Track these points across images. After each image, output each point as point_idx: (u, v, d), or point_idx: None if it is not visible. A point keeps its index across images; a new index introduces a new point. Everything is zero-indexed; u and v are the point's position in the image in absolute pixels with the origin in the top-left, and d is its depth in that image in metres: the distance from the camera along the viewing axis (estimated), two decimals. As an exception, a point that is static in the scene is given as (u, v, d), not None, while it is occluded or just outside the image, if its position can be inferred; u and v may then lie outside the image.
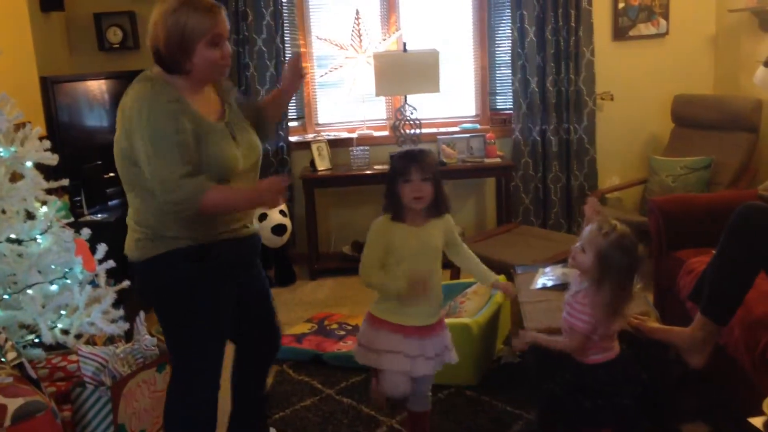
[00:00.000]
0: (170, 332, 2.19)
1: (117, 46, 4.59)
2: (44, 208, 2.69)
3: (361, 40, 4.68)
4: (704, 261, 2.64)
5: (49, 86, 3.65)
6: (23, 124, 2.70)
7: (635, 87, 4.76)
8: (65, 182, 2.76)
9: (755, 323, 2.34)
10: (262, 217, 4.27)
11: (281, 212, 4.32)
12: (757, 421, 1.69)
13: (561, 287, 2.81)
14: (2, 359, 2.26)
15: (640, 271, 2.05)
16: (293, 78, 2.35)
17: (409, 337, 2.23)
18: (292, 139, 4.76)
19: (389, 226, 2.24)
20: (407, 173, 2.19)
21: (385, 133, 4.84)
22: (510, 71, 4.69)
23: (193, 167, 1.95)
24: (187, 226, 2.03)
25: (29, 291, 2.56)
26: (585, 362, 2.10)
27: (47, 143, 2.70)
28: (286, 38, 4.63)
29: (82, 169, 3.65)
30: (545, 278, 2.92)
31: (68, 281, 2.65)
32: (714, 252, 2.42)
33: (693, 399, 2.63)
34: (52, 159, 2.67)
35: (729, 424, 2.43)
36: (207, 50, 1.99)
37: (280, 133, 4.64)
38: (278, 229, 4.29)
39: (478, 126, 4.86)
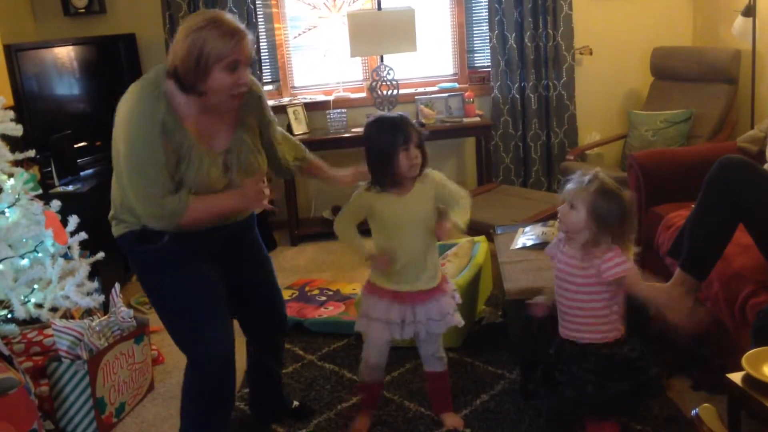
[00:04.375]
0: (156, 310, 2.20)
1: (83, 10, 4.45)
2: (11, 181, 2.61)
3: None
4: (683, 215, 2.63)
5: (13, 54, 3.54)
6: (-15, 95, 2.61)
7: (614, 41, 4.71)
8: (31, 153, 2.68)
9: (734, 277, 2.33)
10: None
11: (259, 178, 4.26)
12: (735, 377, 1.69)
13: (541, 246, 2.79)
14: (-27, 337, 2.22)
15: (632, 218, 2.01)
16: (344, 181, 2.37)
17: (401, 303, 2.24)
18: (268, 103, 4.66)
19: (375, 196, 2.23)
20: (407, 141, 2.15)
21: (363, 95, 4.76)
22: (487, 28, 4.61)
23: (175, 183, 1.97)
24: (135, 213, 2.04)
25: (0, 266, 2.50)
26: (603, 342, 2.02)
27: (11, 113, 2.62)
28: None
29: (51, 139, 3.56)
30: (525, 237, 2.90)
31: (39, 255, 2.59)
32: (693, 206, 2.40)
33: (673, 354, 2.64)
34: (16, 129, 2.59)
35: (709, 378, 2.44)
36: (222, 74, 1.93)
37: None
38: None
39: (456, 85, 4.79)
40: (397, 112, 2.34)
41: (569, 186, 2.01)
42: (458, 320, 2.33)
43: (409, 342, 2.45)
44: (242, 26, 1.97)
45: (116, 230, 2.13)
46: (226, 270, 2.23)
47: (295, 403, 2.59)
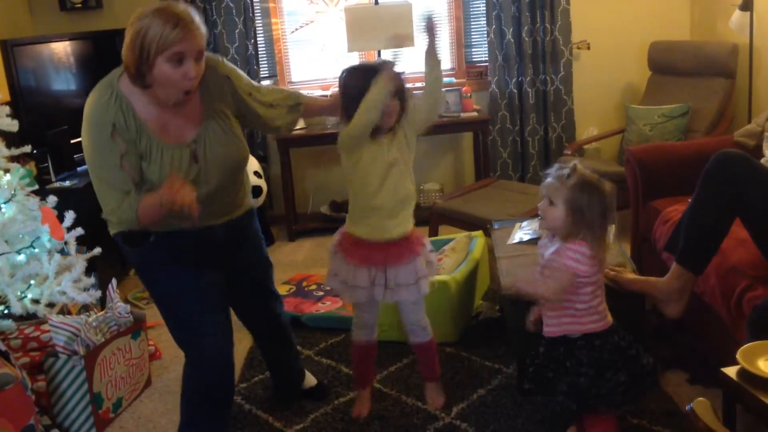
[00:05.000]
0: (157, 305, 2.20)
1: (79, 5, 4.44)
2: (7, 176, 2.61)
3: (331, -6, 4.57)
4: (680, 210, 2.63)
5: (9, 49, 3.53)
6: (-19, 90, 2.61)
7: (611, 35, 4.70)
8: (27, 149, 2.68)
9: (731, 271, 2.34)
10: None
11: (256, 173, 4.26)
12: (730, 371, 1.69)
13: (538, 241, 2.79)
14: (-31, 332, 2.22)
15: (612, 211, 1.92)
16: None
17: (369, 265, 2.20)
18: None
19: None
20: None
21: (360, 89, 4.75)
22: (485, 22, 4.60)
23: (135, 185, 1.95)
24: None
25: (-5, 261, 2.50)
26: (593, 332, 1.97)
27: (7, 109, 2.62)
28: (254, -7, 4.51)
29: (47, 134, 3.56)
30: (522, 232, 2.90)
31: (36, 250, 2.59)
32: (689, 201, 2.40)
33: (669, 348, 2.64)
34: (12, 125, 2.59)
35: (705, 372, 2.45)
36: (166, 66, 1.86)
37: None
38: (253, 191, 4.22)
39: (453, 80, 4.79)
40: (381, 59, 2.29)
41: (547, 181, 1.94)
42: (425, 288, 2.24)
43: (404, 336, 2.46)
44: (193, 16, 1.87)
45: (110, 229, 2.12)
46: (227, 262, 2.23)
47: (313, 381, 2.63)
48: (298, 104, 2.33)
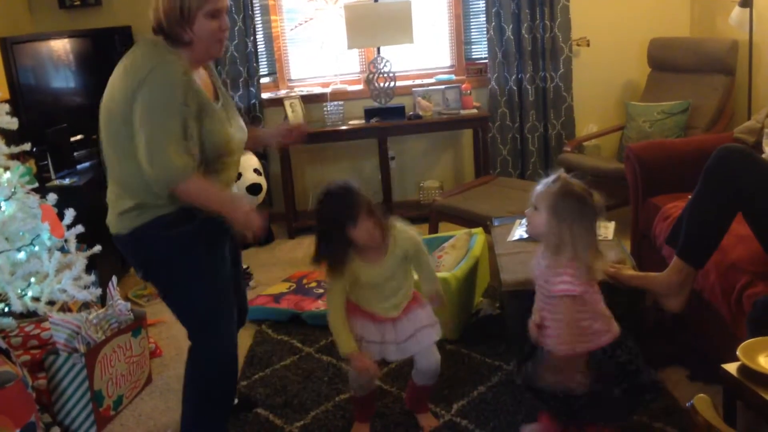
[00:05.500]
0: (175, 299, 2.18)
1: (78, 3, 4.44)
2: (7, 174, 2.61)
3: (331, -9, 4.57)
4: (680, 206, 2.63)
5: (8, 47, 3.53)
6: (-20, 88, 2.60)
7: (611, 32, 4.69)
8: (27, 147, 2.68)
9: (731, 267, 2.34)
10: (237, 177, 4.20)
11: (256, 171, 4.25)
12: (731, 367, 1.69)
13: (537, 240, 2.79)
14: (-30, 330, 2.22)
15: (598, 220, 1.92)
16: (276, 136, 2.44)
17: (380, 323, 2.22)
18: (265, 95, 4.67)
19: (355, 264, 2.17)
20: (355, 218, 2.09)
21: (359, 87, 4.75)
22: (484, 19, 4.60)
23: (188, 148, 1.96)
24: (168, 196, 2.01)
25: (-5, 259, 2.50)
26: (590, 349, 1.93)
27: (6, 107, 2.61)
28: (253, -9, 4.50)
29: (47, 132, 3.56)
30: (522, 229, 2.90)
31: (36, 248, 2.59)
32: (691, 196, 2.40)
33: (669, 345, 2.65)
34: (11, 123, 2.59)
35: (705, 369, 2.45)
36: (206, 21, 2.01)
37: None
38: (253, 189, 4.22)
39: (453, 77, 4.78)
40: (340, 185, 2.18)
41: (536, 188, 1.96)
42: (435, 334, 2.27)
43: None
44: None
45: (138, 220, 2.06)
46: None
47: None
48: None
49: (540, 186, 1.95)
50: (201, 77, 2.12)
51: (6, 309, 2.54)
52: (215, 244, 2.15)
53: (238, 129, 2.18)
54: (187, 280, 2.12)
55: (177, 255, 2.10)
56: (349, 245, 2.13)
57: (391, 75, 4.49)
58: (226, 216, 2.01)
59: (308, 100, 4.65)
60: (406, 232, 2.21)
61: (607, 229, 2.81)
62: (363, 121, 4.45)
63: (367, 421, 2.41)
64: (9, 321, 2.55)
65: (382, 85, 4.49)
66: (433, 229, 3.75)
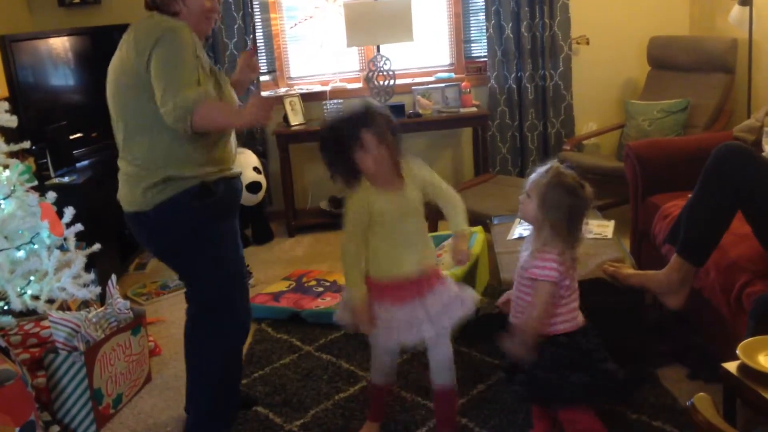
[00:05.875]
0: (201, 268, 2.22)
1: (77, 1, 4.43)
2: (6, 172, 2.60)
3: (330, -11, 4.56)
4: (680, 205, 2.63)
5: (7, 45, 3.52)
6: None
7: (611, 30, 4.70)
8: (26, 145, 2.67)
9: (731, 266, 2.34)
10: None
11: (255, 169, 4.25)
12: (731, 366, 1.69)
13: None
14: (-31, 329, 2.22)
15: (582, 213, 1.95)
16: (246, 72, 2.45)
17: (403, 301, 2.10)
18: (264, 94, 4.67)
19: (372, 195, 2.07)
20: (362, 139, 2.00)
21: (359, 85, 4.75)
22: (484, 18, 4.60)
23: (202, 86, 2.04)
24: (193, 165, 2.10)
25: (-5, 258, 2.49)
26: (549, 333, 1.98)
27: (5, 104, 2.61)
28: (253, -11, 4.50)
29: (46, 130, 3.55)
30: (521, 228, 2.90)
31: (35, 246, 2.58)
32: (691, 194, 2.40)
33: (669, 343, 2.65)
34: (11, 121, 2.58)
35: (704, 368, 2.45)
36: None
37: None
38: (253, 187, 4.22)
39: (453, 75, 4.78)
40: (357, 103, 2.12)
41: (531, 176, 2.02)
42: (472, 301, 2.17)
43: None
44: None
45: (164, 194, 2.09)
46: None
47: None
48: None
49: (534, 174, 2.00)
50: None
51: (5, 307, 2.53)
52: (228, 220, 2.25)
53: (232, 101, 2.26)
54: (215, 246, 2.20)
55: (205, 223, 2.17)
56: (357, 168, 2.04)
57: (390, 73, 4.49)
58: (246, 119, 2.06)
59: (308, 98, 4.65)
60: (418, 161, 2.15)
61: (606, 228, 2.81)
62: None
63: (378, 420, 2.36)
64: (8, 319, 2.54)
65: (381, 83, 4.49)
66: (433, 228, 3.75)
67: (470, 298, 2.19)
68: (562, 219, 1.92)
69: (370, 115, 2.04)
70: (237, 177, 2.28)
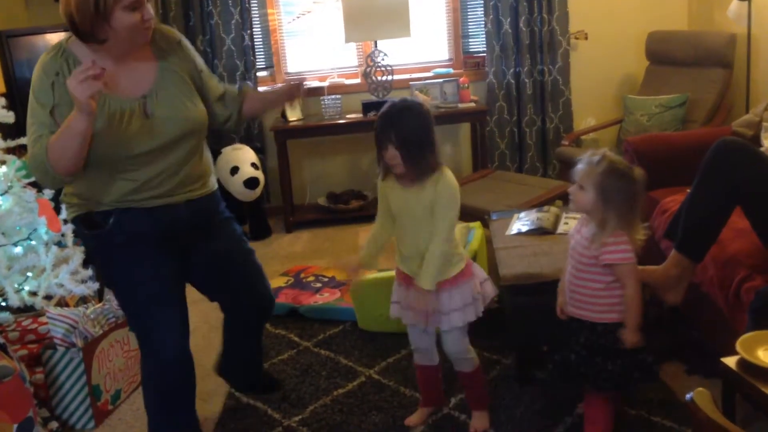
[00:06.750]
0: (114, 292, 2.19)
1: (74, -4, 4.40)
2: (3, 168, 2.60)
3: (328, -16, 4.55)
4: (678, 200, 2.63)
5: (4, 41, 3.52)
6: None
7: (609, 25, 4.69)
8: (23, 140, 2.66)
9: (729, 261, 2.34)
10: (234, 171, 4.20)
11: (253, 165, 4.24)
12: (730, 361, 1.69)
13: (536, 232, 2.79)
14: (-34, 325, 2.21)
15: (641, 195, 2.00)
16: (281, 100, 2.40)
17: (423, 293, 2.11)
18: (262, 89, 4.65)
19: (388, 184, 2.16)
20: (381, 144, 2.06)
21: (357, 80, 4.74)
22: (482, 13, 4.59)
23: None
24: (79, 193, 2.04)
25: (-7, 254, 2.49)
26: (600, 321, 2.02)
27: (2, 100, 2.60)
28: (250, -16, 4.48)
29: (43, 126, 3.54)
30: (520, 223, 2.90)
31: (33, 242, 2.58)
32: (689, 189, 2.40)
33: (668, 338, 2.64)
34: (8, 116, 2.57)
35: (703, 363, 2.45)
36: (125, 14, 1.85)
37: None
38: (250, 183, 4.21)
39: (451, 70, 4.77)
40: (396, 99, 2.20)
41: (578, 167, 2.02)
42: (476, 311, 2.19)
43: (403, 328, 2.44)
44: None
45: (68, 214, 2.12)
46: (198, 247, 2.17)
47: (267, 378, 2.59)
48: (242, 91, 2.29)
49: (583, 165, 2.01)
50: (128, 66, 1.99)
51: (3, 303, 2.53)
52: (135, 247, 2.04)
53: (167, 121, 2.00)
54: (113, 278, 2.12)
55: (99, 253, 2.11)
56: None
57: (388, 68, 4.48)
58: (78, 112, 1.78)
59: (305, 93, 4.63)
60: (451, 181, 2.11)
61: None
62: (360, 115, 4.43)
63: (427, 405, 2.41)
64: (6, 315, 2.54)
65: (379, 78, 4.48)
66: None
67: (489, 296, 2.25)
68: (623, 204, 1.95)
69: (407, 116, 2.12)
70: (173, 204, 2.06)
